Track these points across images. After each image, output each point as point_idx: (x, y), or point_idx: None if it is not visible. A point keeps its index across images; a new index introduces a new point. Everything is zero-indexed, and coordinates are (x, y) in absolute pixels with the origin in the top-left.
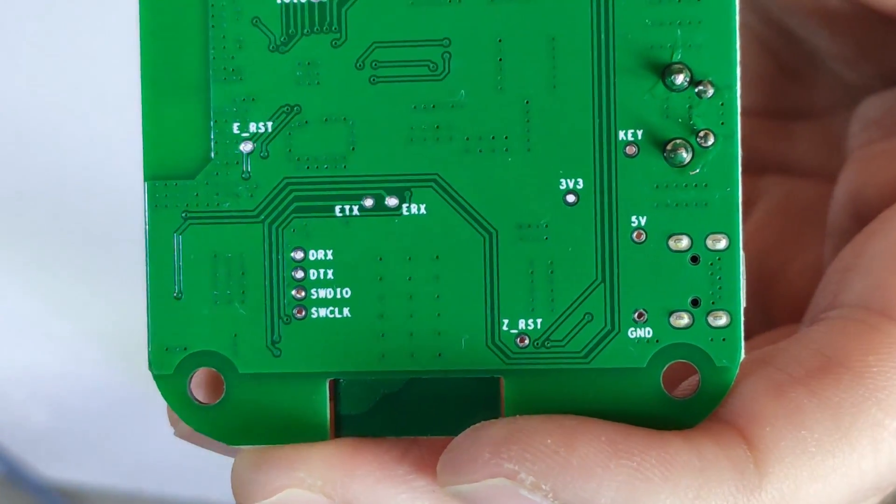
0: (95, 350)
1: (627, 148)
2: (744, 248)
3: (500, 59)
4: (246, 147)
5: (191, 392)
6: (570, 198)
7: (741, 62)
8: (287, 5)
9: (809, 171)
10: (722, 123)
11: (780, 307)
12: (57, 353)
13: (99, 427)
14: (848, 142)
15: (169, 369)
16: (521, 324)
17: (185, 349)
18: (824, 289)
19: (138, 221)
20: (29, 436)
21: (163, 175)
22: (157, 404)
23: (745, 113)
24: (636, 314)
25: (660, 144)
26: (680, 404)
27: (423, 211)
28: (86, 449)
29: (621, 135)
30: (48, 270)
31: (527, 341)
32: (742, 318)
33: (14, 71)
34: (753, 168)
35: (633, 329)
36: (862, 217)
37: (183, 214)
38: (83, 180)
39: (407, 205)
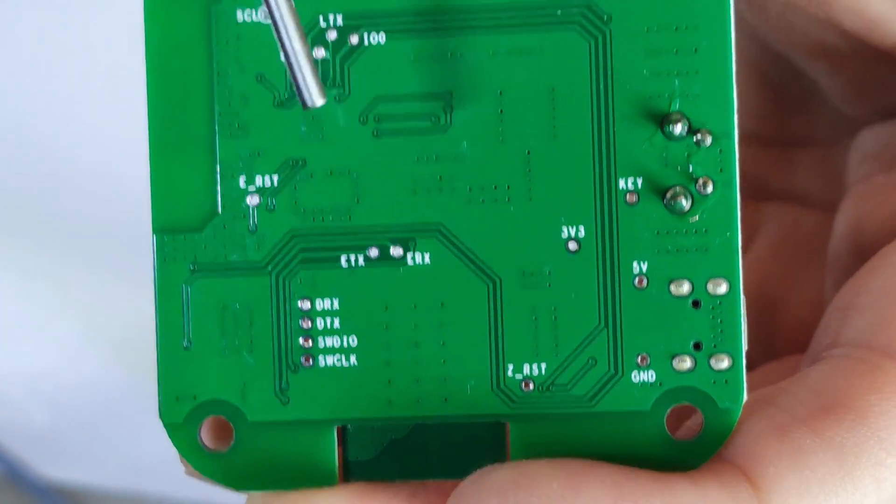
0: (95, 350)
1: (628, 196)
2: (746, 277)
3: (501, 111)
4: (252, 200)
5: (201, 440)
6: (572, 245)
7: (741, 89)
8: None
9: (811, 199)
10: (721, 170)
11: (782, 337)
12: (57, 353)
13: (99, 427)
14: (847, 173)
15: (179, 418)
16: (526, 369)
17: (195, 398)
18: (826, 327)
19: (139, 222)
20: (29, 436)
21: (171, 228)
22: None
23: (747, 140)
24: (639, 358)
25: (660, 192)
26: (684, 446)
27: (427, 260)
28: (86, 449)
29: (621, 183)
30: (48, 270)
31: (532, 386)
32: (744, 361)
33: (14, 69)
34: (756, 195)
35: (636, 373)
36: (862, 251)
37: (191, 266)
38: (84, 180)
39: (411, 254)
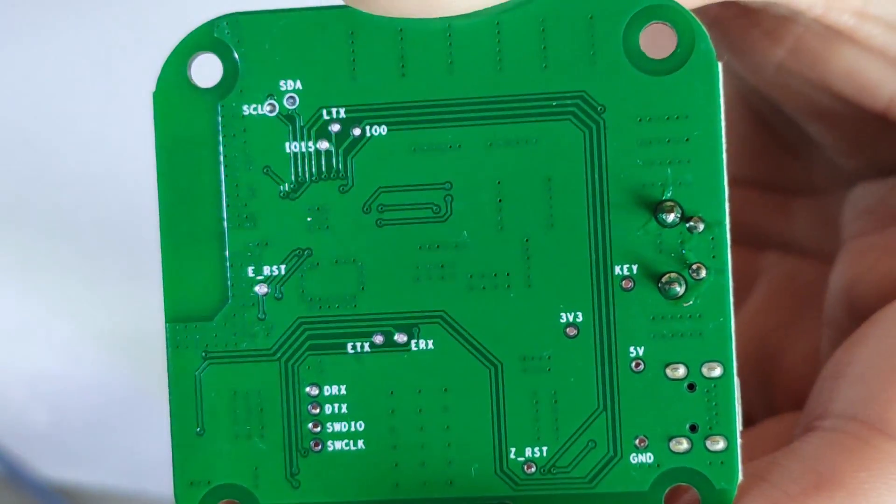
0: (95, 350)
1: (623, 282)
2: (744, 328)
3: (500, 200)
4: (261, 289)
5: None
6: (571, 331)
7: (738, 129)
8: (296, 154)
9: (808, 249)
10: (713, 257)
11: (780, 392)
12: (57, 354)
13: (99, 427)
14: (842, 226)
15: (194, 502)
16: (528, 451)
17: (209, 483)
18: (818, 394)
19: (139, 223)
20: (29, 436)
21: (183, 317)
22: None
23: (747, 184)
24: (637, 440)
25: (654, 278)
26: None
27: (430, 346)
28: (86, 449)
29: (617, 269)
30: (48, 271)
31: (534, 468)
32: (738, 441)
33: (14, 69)
34: (754, 243)
35: (634, 454)
36: (856, 312)
37: (203, 354)
38: (84, 180)
39: (415, 341)
